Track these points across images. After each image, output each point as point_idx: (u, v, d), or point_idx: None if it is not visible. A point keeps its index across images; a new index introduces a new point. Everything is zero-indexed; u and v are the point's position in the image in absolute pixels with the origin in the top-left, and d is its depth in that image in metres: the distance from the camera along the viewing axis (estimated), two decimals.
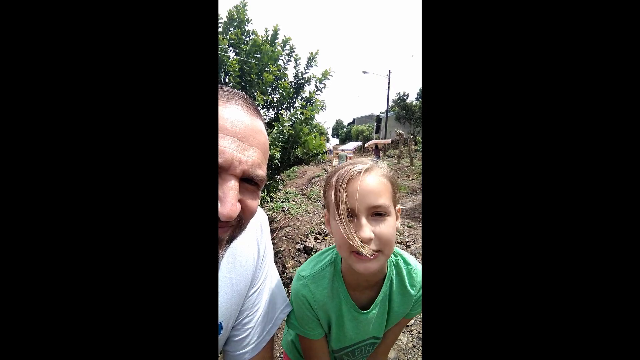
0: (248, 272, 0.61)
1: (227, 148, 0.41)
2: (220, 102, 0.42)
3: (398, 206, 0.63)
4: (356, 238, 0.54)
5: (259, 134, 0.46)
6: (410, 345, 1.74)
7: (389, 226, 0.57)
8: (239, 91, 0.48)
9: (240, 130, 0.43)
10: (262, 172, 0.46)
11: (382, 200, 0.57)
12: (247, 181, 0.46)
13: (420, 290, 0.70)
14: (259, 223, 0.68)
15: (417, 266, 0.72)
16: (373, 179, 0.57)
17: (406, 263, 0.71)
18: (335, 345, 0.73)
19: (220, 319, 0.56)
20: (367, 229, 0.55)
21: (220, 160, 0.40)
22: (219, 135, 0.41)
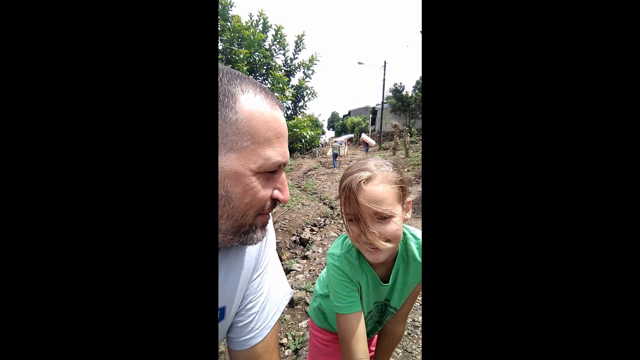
0: (252, 255, 0.61)
1: (286, 149, 0.49)
2: (274, 107, 0.48)
3: (408, 199, 0.71)
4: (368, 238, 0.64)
5: None
6: (405, 333, 1.78)
7: (394, 224, 0.65)
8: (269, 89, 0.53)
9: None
10: None
11: (384, 206, 0.64)
12: None
13: None
14: None
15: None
16: (376, 188, 0.64)
17: (414, 238, 0.79)
18: (364, 313, 0.84)
19: (223, 304, 0.56)
20: (370, 233, 0.64)
21: (284, 159, 0.48)
22: (283, 139, 0.48)
